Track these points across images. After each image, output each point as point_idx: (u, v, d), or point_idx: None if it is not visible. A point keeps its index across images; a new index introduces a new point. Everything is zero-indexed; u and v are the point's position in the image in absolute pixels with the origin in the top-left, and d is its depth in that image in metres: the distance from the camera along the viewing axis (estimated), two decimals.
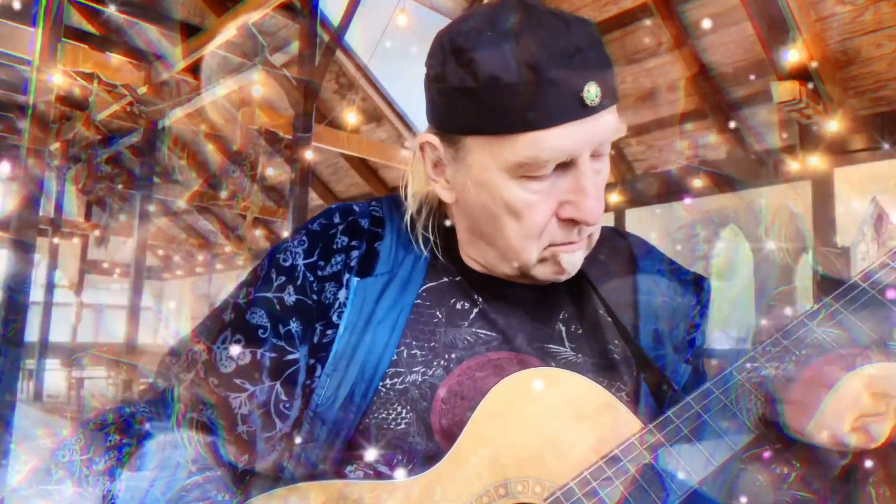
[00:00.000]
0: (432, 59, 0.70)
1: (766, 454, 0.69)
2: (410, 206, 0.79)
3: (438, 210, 0.80)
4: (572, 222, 0.70)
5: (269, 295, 0.76)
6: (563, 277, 0.74)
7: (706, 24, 4.92)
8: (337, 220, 0.79)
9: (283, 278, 0.76)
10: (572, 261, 0.73)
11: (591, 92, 0.64)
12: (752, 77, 5.04)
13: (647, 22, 5.23)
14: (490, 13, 0.67)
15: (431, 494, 0.65)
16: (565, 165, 0.67)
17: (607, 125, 0.68)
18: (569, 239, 0.71)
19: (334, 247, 0.77)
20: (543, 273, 0.74)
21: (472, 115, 0.67)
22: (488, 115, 0.65)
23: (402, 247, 0.78)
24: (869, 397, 0.61)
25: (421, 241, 0.78)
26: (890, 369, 0.62)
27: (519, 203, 0.68)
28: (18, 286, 4.38)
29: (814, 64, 4.29)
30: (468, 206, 0.74)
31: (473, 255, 0.78)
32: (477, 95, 0.65)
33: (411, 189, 0.79)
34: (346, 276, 0.75)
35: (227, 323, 0.76)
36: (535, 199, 0.68)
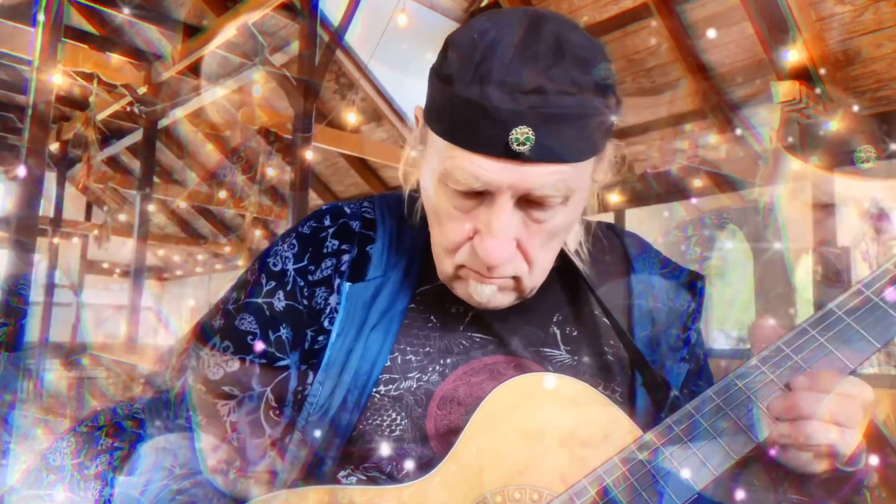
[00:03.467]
0: None
1: (763, 459, 0.68)
2: (409, 179, 0.77)
3: None
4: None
5: (259, 300, 0.74)
6: (475, 304, 0.70)
7: (710, 33, 4.90)
8: (327, 222, 0.78)
9: (273, 283, 0.75)
10: (481, 292, 0.69)
11: (519, 138, 0.58)
12: (753, 78, 5.02)
13: (648, 21, 5.21)
14: (504, 20, 0.63)
15: (425, 500, 0.64)
16: (489, 196, 0.63)
17: (543, 179, 0.61)
18: (477, 269, 0.67)
19: (324, 251, 0.76)
20: (460, 291, 0.71)
21: (429, 106, 0.67)
22: (436, 111, 0.65)
23: (395, 250, 0.77)
24: (836, 432, 0.60)
25: (417, 218, 0.76)
26: (852, 394, 0.61)
27: (441, 210, 0.67)
28: (17, 287, 4.36)
29: (814, 64, 4.28)
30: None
31: None
32: (435, 89, 0.64)
33: (407, 156, 0.75)
34: (338, 281, 0.74)
35: (216, 329, 0.75)
36: (454, 213, 0.66)
